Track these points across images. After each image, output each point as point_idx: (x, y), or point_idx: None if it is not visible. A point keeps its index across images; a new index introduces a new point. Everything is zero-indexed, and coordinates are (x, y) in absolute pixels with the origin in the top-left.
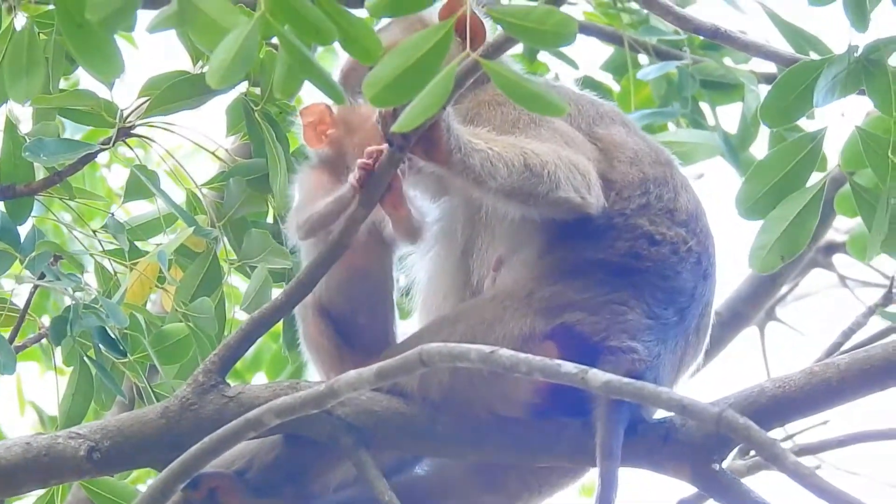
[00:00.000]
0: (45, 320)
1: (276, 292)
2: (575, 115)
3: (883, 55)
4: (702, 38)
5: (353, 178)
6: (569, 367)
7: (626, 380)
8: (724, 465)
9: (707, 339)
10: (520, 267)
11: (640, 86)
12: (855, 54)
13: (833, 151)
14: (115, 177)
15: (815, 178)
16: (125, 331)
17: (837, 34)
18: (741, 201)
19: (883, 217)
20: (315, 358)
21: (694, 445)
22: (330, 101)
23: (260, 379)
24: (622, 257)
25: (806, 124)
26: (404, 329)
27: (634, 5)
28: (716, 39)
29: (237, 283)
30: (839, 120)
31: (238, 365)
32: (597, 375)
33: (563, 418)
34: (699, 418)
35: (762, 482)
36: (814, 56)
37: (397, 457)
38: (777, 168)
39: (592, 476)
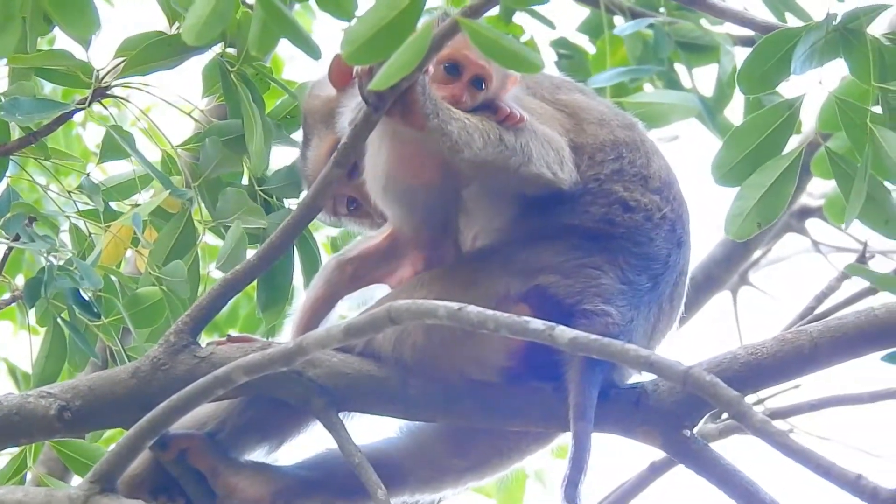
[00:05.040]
0: (20, 279)
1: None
2: (535, 88)
3: (862, 24)
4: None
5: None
6: (536, 323)
7: (594, 336)
8: (695, 429)
9: (681, 308)
10: (494, 231)
11: (616, 47)
12: (833, 22)
13: (810, 117)
14: (91, 135)
15: (792, 144)
16: (99, 293)
17: (816, 2)
18: (717, 168)
19: (861, 185)
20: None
21: (664, 411)
22: None
23: None
24: (596, 223)
25: (783, 88)
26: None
27: None
28: (693, 6)
29: (213, 241)
30: (816, 87)
31: (217, 318)
32: (564, 332)
33: (536, 382)
34: (666, 375)
35: (734, 447)
36: (791, 21)
37: None
38: (754, 135)
39: (565, 440)
